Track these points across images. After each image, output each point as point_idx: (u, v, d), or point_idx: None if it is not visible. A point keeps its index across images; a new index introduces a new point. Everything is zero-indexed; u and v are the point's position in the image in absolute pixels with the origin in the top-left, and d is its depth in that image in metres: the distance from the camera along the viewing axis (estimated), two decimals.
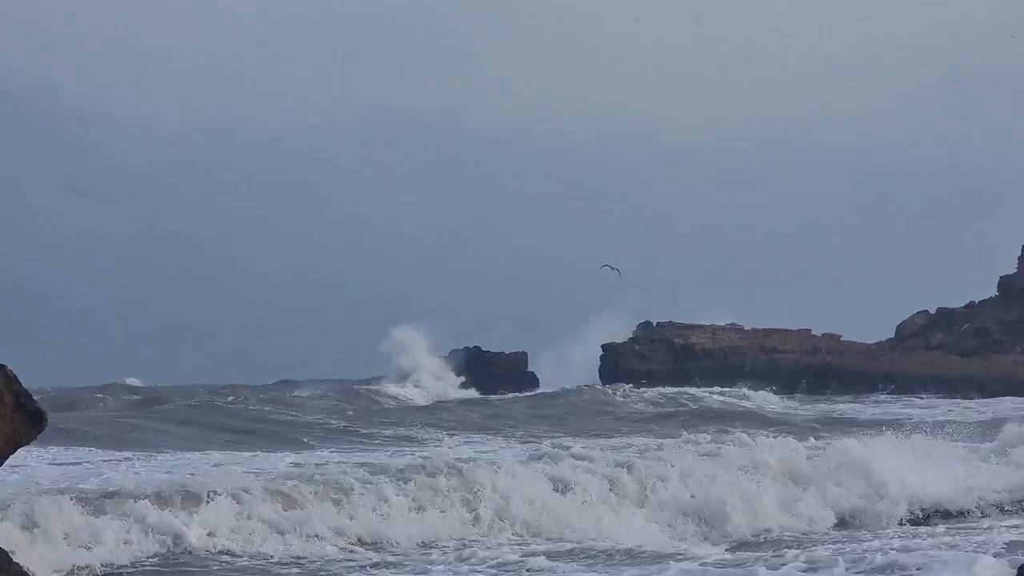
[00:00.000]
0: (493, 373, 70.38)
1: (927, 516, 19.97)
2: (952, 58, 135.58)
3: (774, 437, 23.15)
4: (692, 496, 19.20)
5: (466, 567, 14.93)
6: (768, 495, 19.47)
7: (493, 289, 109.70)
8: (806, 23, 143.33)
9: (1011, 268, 75.55)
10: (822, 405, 52.04)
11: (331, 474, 18.56)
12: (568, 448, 22.82)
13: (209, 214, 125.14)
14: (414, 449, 27.39)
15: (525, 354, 75.47)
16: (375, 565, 15.20)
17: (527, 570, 14.64)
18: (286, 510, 16.51)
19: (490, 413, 41.44)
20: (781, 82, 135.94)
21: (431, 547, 16.23)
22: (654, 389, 56.43)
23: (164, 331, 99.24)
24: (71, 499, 15.47)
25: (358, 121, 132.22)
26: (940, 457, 22.25)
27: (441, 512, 17.44)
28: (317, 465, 22.14)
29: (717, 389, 57.88)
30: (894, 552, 14.87)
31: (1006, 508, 20.50)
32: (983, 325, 72.55)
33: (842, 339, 75.14)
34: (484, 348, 74.27)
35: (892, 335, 75.51)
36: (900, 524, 19.31)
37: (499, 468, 18.94)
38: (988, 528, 18.04)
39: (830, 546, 16.00)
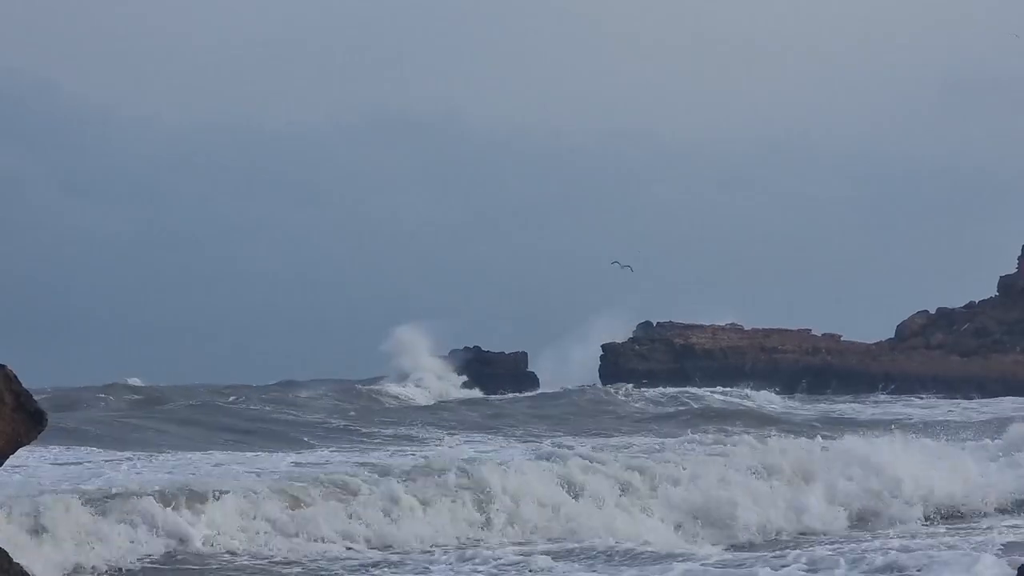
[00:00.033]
0: (493, 373, 70.37)
1: (946, 515, 19.80)
2: (952, 58, 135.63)
3: (782, 437, 23.17)
4: (702, 497, 19.03)
5: (468, 567, 14.96)
6: (780, 496, 19.32)
7: (493, 289, 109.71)
8: (806, 23, 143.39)
9: (1011, 268, 75.58)
10: (823, 405, 52.03)
11: (337, 474, 18.57)
12: (573, 448, 22.86)
13: (209, 214, 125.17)
14: (415, 448, 27.40)
15: (525, 354, 75.51)
16: (376, 564, 15.22)
17: (528, 570, 14.66)
18: (292, 510, 16.54)
19: (493, 413, 41.43)
20: (781, 82, 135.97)
21: (436, 547, 16.21)
22: (655, 389, 56.42)
23: (164, 331, 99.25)
24: (76, 499, 15.51)
25: (358, 121, 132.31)
26: (951, 457, 22.09)
27: (449, 512, 17.38)
28: (320, 465, 22.17)
29: (720, 389, 57.85)
30: (894, 552, 14.89)
31: (1006, 508, 20.47)
32: (983, 325, 72.57)
33: (842, 339, 75.16)
34: (484, 348, 74.32)
35: (892, 335, 75.53)
36: (921, 523, 19.16)
37: (508, 468, 18.91)
38: (988, 528, 18.04)
39: (831, 546, 16.00)
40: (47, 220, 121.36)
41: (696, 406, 47.76)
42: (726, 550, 16.38)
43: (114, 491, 16.52)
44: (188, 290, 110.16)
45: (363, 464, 21.76)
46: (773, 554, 15.52)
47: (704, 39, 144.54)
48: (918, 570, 13.90)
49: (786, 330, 75.63)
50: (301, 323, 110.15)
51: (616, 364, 73.21)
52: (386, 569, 14.95)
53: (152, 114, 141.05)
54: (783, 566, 14.41)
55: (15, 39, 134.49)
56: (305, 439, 29.25)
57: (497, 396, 60.48)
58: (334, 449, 26.70)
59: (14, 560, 10.43)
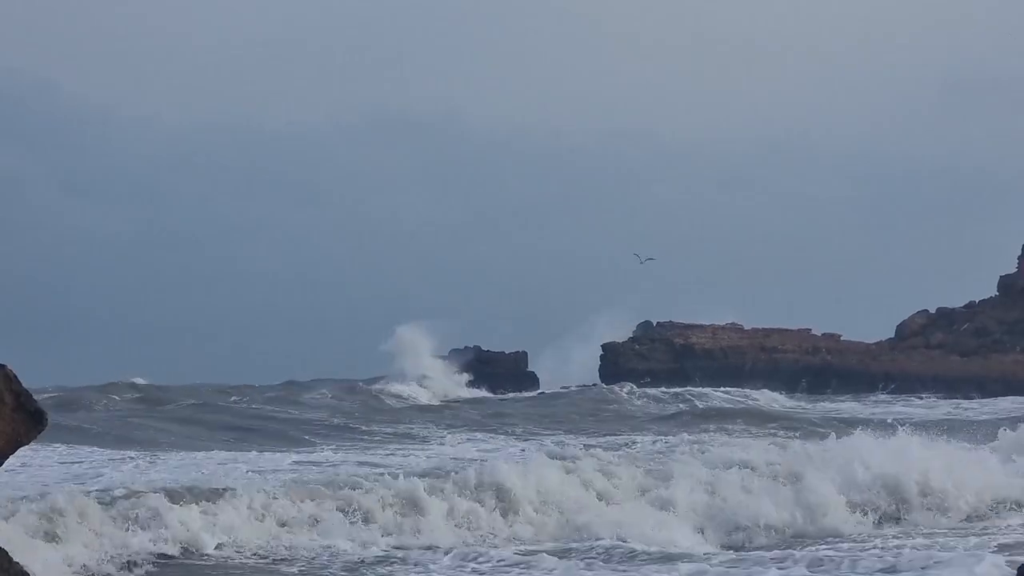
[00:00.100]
0: (493, 373, 70.33)
1: (968, 516, 19.47)
2: (952, 58, 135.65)
3: (797, 437, 23.11)
4: (719, 498, 18.84)
5: (472, 565, 14.97)
6: (798, 497, 18.96)
7: (493, 289, 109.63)
8: (806, 23, 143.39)
9: (1011, 268, 75.53)
10: (828, 404, 52.00)
11: (343, 475, 18.58)
12: (586, 447, 22.86)
13: (209, 214, 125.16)
14: (418, 447, 27.42)
15: (525, 354, 75.50)
16: (380, 561, 15.22)
17: (531, 568, 14.66)
18: (302, 508, 16.54)
19: (497, 412, 41.49)
20: (781, 82, 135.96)
21: (440, 546, 16.20)
22: (658, 388, 56.45)
23: (164, 331, 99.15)
24: (84, 498, 15.54)
25: (358, 121, 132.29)
26: (964, 456, 21.68)
27: (464, 512, 17.39)
28: (324, 464, 22.23)
29: (723, 388, 57.87)
30: (895, 552, 14.91)
31: (1006, 508, 20.35)
32: (983, 325, 72.54)
33: (842, 339, 75.11)
34: (484, 348, 74.33)
35: (892, 335, 75.48)
36: (942, 523, 18.90)
37: (522, 467, 18.88)
38: (988, 528, 18.00)
39: (833, 547, 15.98)
40: (47, 220, 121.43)
41: (701, 405, 47.80)
42: (730, 550, 16.31)
43: (121, 490, 16.56)
44: (188, 290, 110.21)
45: (366, 463, 21.83)
46: (775, 554, 15.53)
47: (704, 39, 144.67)
48: (920, 569, 13.91)
49: (786, 330, 75.59)
50: (301, 323, 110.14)
51: (616, 364, 73.19)
52: (389, 567, 14.95)
53: (152, 114, 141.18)
54: (786, 565, 14.46)
55: (15, 39, 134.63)
56: (309, 438, 29.36)
57: (509, 395, 60.60)
58: (336, 448, 26.74)
59: (14, 560, 10.42)
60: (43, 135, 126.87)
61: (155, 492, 16.22)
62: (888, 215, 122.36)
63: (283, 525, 16.23)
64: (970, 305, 75.86)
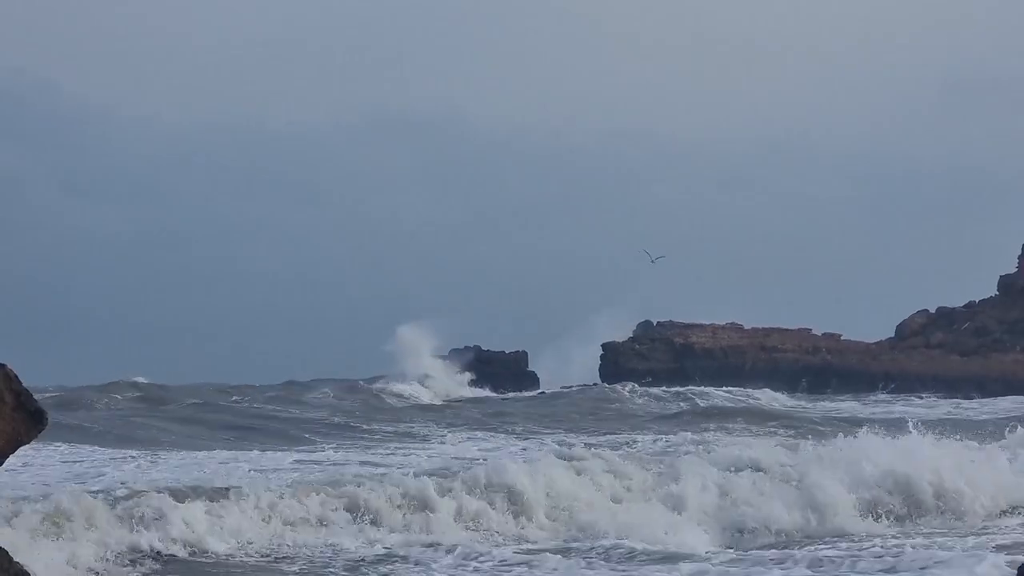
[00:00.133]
0: (493, 372, 70.35)
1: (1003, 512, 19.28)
2: (952, 58, 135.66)
3: (806, 438, 23.03)
4: (729, 499, 18.69)
5: (473, 564, 14.98)
6: (810, 498, 18.71)
7: (493, 289, 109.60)
8: (806, 23, 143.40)
9: (1011, 267, 75.56)
10: (827, 404, 52.02)
11: (346, 473, 18.57)
12: (590, 447, 22.83)
13: (209, 214, 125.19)
14: (423, 447, 27.43)
15: (525, 353, 75.54)
16: (381, 560, 15.22)
17: (532, 568, 14.67)
18: (305, 508, 16.55)
19: (500, 411, 41.49)
20: (781, 82, 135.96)
21: (441, 544, 16.21)
22: (660, 388, 56.45)
23: (164, 331, 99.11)
24: (85, 497, 15.55)
25: (358, 121, 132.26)
26: (972, 456, 21.26)
27: (468, 511, 17.38)
28: (329, 463, 22.22)
29: (726, 388, 57.89)
30: (895, 552, 14.91)
31: (1010, 508, 20.23)
32: (983, 324, 72.55)
33: (842, 338, 75.14)
34: (484, 348, 74.34)
35: (892, 334, 75.50)
36: (953, 522, 18.68)
37: (527, 467, 18.83)
38: (988, 528, 17.99)
39: (833, 547, 15.98)
40: (47, 220, 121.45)
41: (703, 404, 47.81)
42: (738, 550, 16.27)
43: (123, 489, 16.58)
44: (188, 290, 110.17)
45: (368, 462, 21.82)
46: (775, 554, 15.54)
47: (704, 39, 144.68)
48: (920, 569, 13.93)
49: (786, 329, 75.61)
50: (301, 323, 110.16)
51: (616, 363, 73.19)
52: (391, 566, 14.97)
53: (152, 114, 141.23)
54: (787, 565, 14.47)
55: (15, 39, 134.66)
56: (311, 437, 29.36)
57: (507, 395, 60.60)
58: (338, 447, 26.76)
59: (15, 560, 10.42)
60: (43, 135, 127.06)
61: (158, 491, 16.23)
62: (888, 215, 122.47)
63: (287, 524, 16.23)
64: (970, 305, 75.87)
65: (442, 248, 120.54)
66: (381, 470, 19.94)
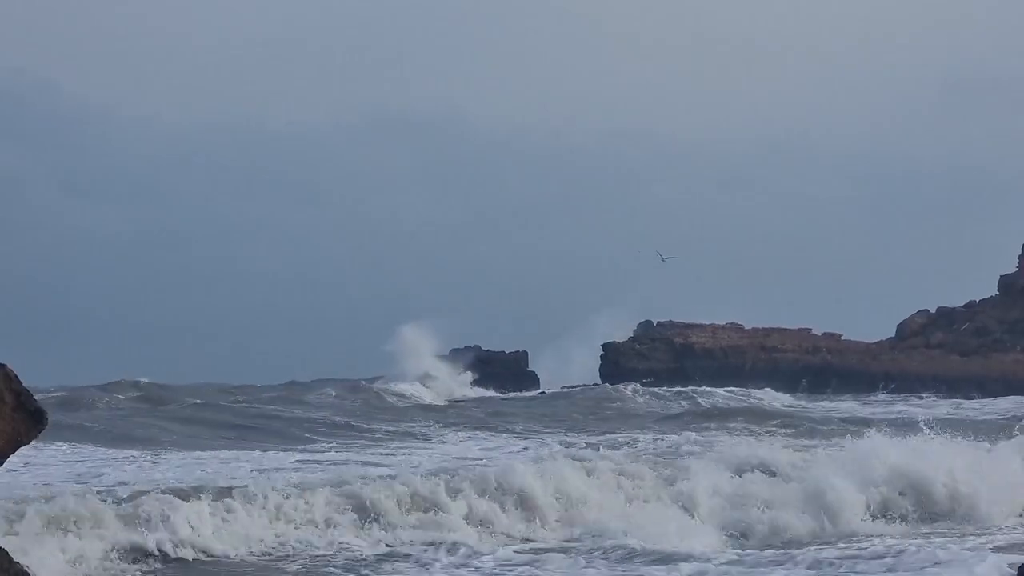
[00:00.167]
0: (493, 372, 70.37)
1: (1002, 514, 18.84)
2: (952, 58, 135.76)
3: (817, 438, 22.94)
4: (738, 500, 18.58)
5: (475, 563, 15.00)
6: (821, 500, 18.46)
7: (493, 289, 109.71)
8: (806, 23, 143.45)
9: (1011, 267, 75.55)
10: (827, 403, 52.02)
11: (349, 473, 18.55)
12: (595, 447, 22.83)
13: (209, 214, 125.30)
14: (425, 447, 27.46)
15: (525, 353, 75.56)
16: (383, 559, 15.24)
17: (533, 567, 14.69)
18: (309, 507, 16.56)
19: (503, 411, 41.50)
20: (781, 82, 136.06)
21: (442, 543, 16.22)
22: (662, 387, 56.42)
23: (164, 331, 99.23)
24: (88, 497, 15.57)
25: (358, 121, 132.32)
26: (983, 456, 20.87)
27: (473, 510, 17.35)
28: (330, 463, 22.24)
29: (732, 388, 57.86)
30: (896, 552, 14.92)
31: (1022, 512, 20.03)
32: (983, 324, 72.54)
33: (842, 338, 75.14)
34: (484, 348, 74.35)
35: (892, 334, 75.51)
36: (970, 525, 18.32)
37: (537, 467, 18.81)
38: (988, 528, 17.98)
39: (834, 547, 15.98)
40: (47, 220, 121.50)
41: (706, 404, 47.82)
42: (738, 552, 16.27)
43: (126, 489, 16.60)
44: (188, 290, 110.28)
45: (371, 462, 21.81)
46: (775, 554, 15.56)
47: (704, 39, 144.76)
48: (920, 569, 13.93)
49: (786, 329, 75.60)
50: (301, 323, 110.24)
51: (616, 363, 73.19)
52: (393, 564, 14.99)
53: (152, 114, 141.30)
54: (787, 565, 14.49)
55: (15, 39, 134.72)
56: (314, 436, 29.41)
57: (509, 395, 60.62)
58: (341, 446, 26.81)
59: (15, 560, 10.42)
60: (43, 135, 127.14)
61: (161, 491, 16.24)
62: (888, 215, 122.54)
63: (291, 524, 16.23)
64: (970, 305, 75.86)
65: (442, 248, 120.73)
66: (384, 469, 19.93)
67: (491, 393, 62.50)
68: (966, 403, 51.27)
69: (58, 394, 39.44)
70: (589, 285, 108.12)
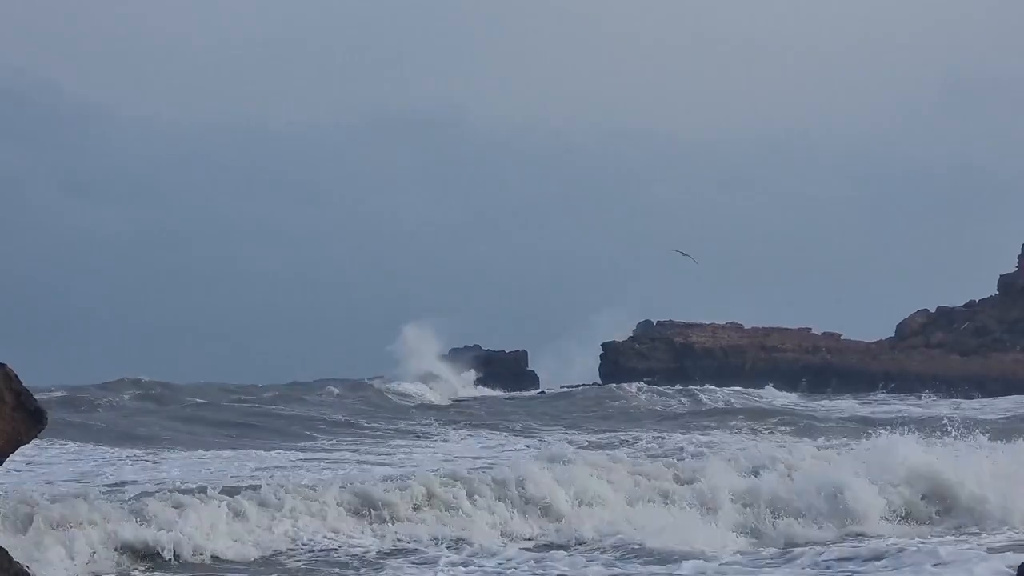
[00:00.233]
0: (493, 372, 70.40)
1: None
2: (952, 58, 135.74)
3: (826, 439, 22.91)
4: (753, 500, 18.45)
5: (478, 562, 15.05)
6: (839, 501, 18.33)
7: (493, 289, 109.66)
8: (806, 23, 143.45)
9: (1011, 267, 75.55)
10: (829, 403, 52.02)
11: (351, 472, 18.55)
12: (610, 446, 22.85)
13: (209, 214, 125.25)
14: (429, 445, 27.51)
15: (525, 352, 75.57)
16: (387, 556, 15.26)
17: (535, 566, 14.72)
18: (311, 507, 16.58)
19: (506, 411, 41.58)
20: (781, 82, 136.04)
21: (444, 539, 16.23)
22: (664, 387, 56.42)
23: (164, 331, 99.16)
24: (91, 495, 15.60)
25: (358, 121, 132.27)
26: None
27: (478, 510, 17.37)
28: (332, 461, 22.27)
29: (733, 388, 57.80)
30: (896, 551, 14.92)
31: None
32: (983, 324, 72.54)
33: (842, 338, 75.15)
34: (484, 347, 74.37)
35: (892, 334, 75.53)
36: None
37: (544, 466, 18.82)
38: (988, 528, 17.96)
39: (836, 546, 15.99)
40: (47, 220, 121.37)
41: (717, 404, 47.81)
42: (741, 553, 16.28)
43: (129, 488, 16.63)
44: (188, 290, 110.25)
45: (374, 461, 21.80)
46: (775, 553, 15.59)
47: (704, 39, 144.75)
48: (920, 568, 13.94)
49: (786, 329, 75.62)
50: (301, 323, 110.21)
51: (616, 363, 73.19)
52: (396, 561, 15.03)
53: (152, 114, 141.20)
54: (789, 563, 14.53)
55: (16, 39, 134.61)
56: (316, 435, 29.48)
57: (515, 394, 60.63)
58: (343, 444, 26.86)
59: (14, 560, 10.42)
60: (43, 135, 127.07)
61: (164, 490, 16.25)
62: (888, 215, 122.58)
63: (295, 522, 16.24)
64: (970, 304, 75.87)
65: (442, 248, 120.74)
66: (387, 468, 19.95)
67: (495, 393, 62.53)
68: (966, 403, 51.28)
69: (59, 393, 39.43)
70: (589, 285, 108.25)
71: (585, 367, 74.32)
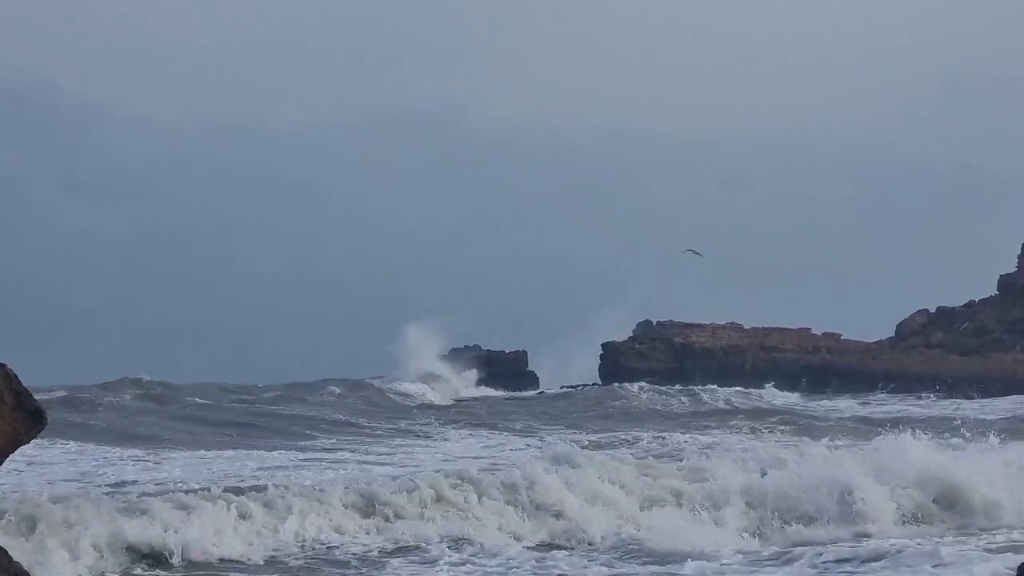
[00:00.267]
0: (493, 372, 70.37)
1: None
2: (952, 58, 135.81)
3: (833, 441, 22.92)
4: (759, 501, 18.39)
5: (480, 561, 15.05)
6: (847, 503, 18.26)
7: (493, 289, 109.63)
8: (806, 23, 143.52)
9: (1011, 267, 75.54)
10: (833, 403, 52.00)
11: (352, 471, 18.52)
12: (603, 445, 22.84)
13: (209, 214, 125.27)
14: (430, 445, 27.50)
15: (525, 353, 75.54)
16: (389, 555, 15.27)
17: (537, 565, 14.72)
18: (313, 506, 16.58)
19: (507, 411, 41.54)
20: (781, 82, 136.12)
21: (446, 538, 16.21)
22: (666, 387, 56.40)
23: (164, 331, 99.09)
24: (93, 495, 15.60)
25: (358, 121, 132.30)
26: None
27: (482, 510, 17.32)
28: (334, 461, 22.26)
29: (735, 388, 57.76)
30: (896, 552, 14.93)
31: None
32: (983, 324, 72.54)
33: (842, 338, 75.14)
34: (484, 347, 74.34)
35: (892, 334, 75.52)
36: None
37: (547, 466, 18.83)
38: (988, 528, 17.97)
39: (836, 546, 15.99)
40: (47, 220, 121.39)
41: (720, 405, 47.77)
42: (739, 551, 16.29)
43: (130, 487, 16.61)
44: (188, 290, 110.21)
45: (376, 461, 21.79)
46: (776, 552, 15.60)
47: (704, 39, 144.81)
48: (919, 568, 13.94)
49: (786, 329, 75.61)
50: (301, 323, 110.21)
51: (616, 363, 73.17)
52: (397, 560, 15.05)
53: (152, 114, 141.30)
54: (790, 564, 14.52)
55: (16, 39, 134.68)
56: (317, 435, 29.46)
57: (517, 394, 60.62)
58: (343, 443, 26.84)
59: (14, 560, 10.43)
60: (43, 135, 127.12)
61: (165, 490, 16.25)
62: (888, 215, 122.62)
63: (299, 521, 16.23)
64: (970, 304, 75.86)
65: (442, 248, 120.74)
66: (388, 468, 19.94)
67: (497, 393, 62.53)
68: (966, 403, 51.27)
69: (60, 393, 39.38)
70: (589, 285, 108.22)
71: (585, 367, 74.39)
